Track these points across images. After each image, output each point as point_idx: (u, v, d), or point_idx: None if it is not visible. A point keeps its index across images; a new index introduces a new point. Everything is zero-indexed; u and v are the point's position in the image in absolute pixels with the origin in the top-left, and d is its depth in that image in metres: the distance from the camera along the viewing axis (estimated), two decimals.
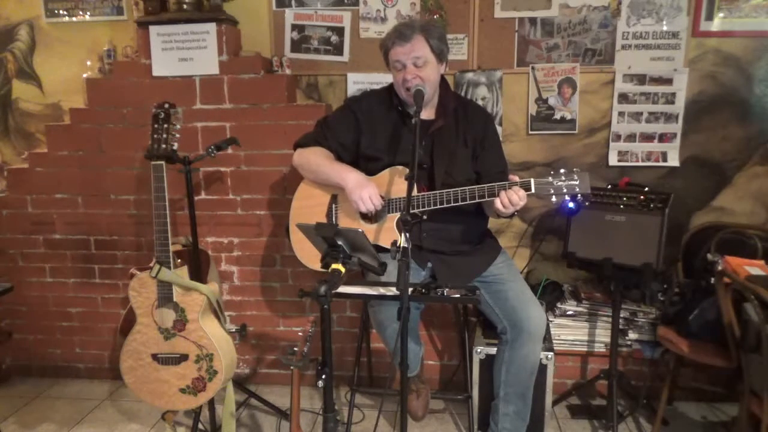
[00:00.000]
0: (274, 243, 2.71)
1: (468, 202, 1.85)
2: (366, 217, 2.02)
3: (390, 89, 2.11)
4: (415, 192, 1.89)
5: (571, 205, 1.79)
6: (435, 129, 2.04)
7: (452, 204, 1.87)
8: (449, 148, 2.04)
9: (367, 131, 2.09)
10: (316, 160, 2.08)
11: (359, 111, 2.11)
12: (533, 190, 1.78)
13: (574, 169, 1.77)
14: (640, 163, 2.70)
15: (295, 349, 1.79)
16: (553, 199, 1.78)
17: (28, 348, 2.92)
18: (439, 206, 1.89)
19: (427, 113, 2.07)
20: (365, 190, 1.92)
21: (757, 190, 2.69)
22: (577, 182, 1.76)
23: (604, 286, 2.66)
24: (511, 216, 1.94)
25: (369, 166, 2.07)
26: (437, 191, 1.89)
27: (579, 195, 1.77)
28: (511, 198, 1.77)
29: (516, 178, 1.80)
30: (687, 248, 2.56)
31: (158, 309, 2.04)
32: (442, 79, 2.06)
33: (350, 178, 1.96)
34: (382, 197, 1.96)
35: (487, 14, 2.65)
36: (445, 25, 2.63)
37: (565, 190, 1.76)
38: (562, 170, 1.78)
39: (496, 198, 1.79)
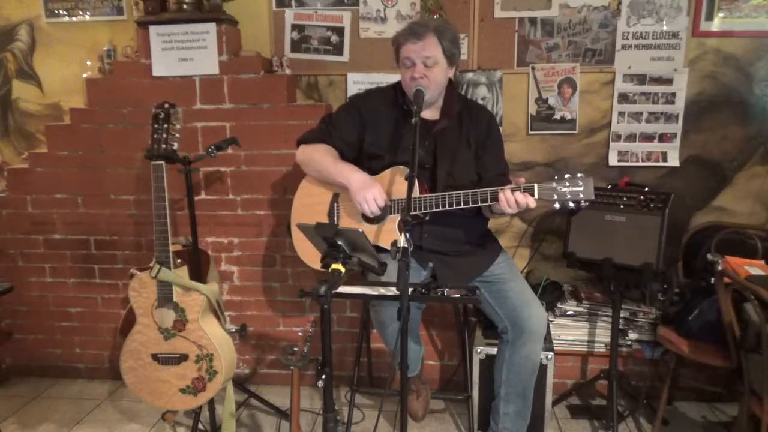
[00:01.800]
0: (274, 243, 2.71)
1: (470, 205, 1.85)
2: (368, 217, 2.02)
3: (395, 88, 2.11)
4: (417, 194, 1.90)
5: (571, 205, 1.78)
6: (438, 130, 2.04)
7: (454, 207, 1.87)
8: (452, 149, 2.04)
9: (371, 129, 2.08)
10: (319, 158, 2.07)
11: (363, 108, 2.10)
12: (536, 195, 1.76)
13: (578, 175, 1.76)
14: (640, 163, 2.70)
15: (295, 349, 1.79)
16: (556, 206, 1.78)
17: (28, 348, 2.92)
18: (441, 209, 1.88)
19: (431, 113, 2.07)
20: (369, 192, 1.91)
21: (757, 190, 2.69)
22: (581, 188, 1.75)
23: (604, 286, 2.65)
24: (510, 215, 1.93)
25: (371, 164, 2.07)
26: (439, 194, 1.89)
27: (583, 202, 1.76)
28: (518, 199, 1.76)
29: (522, 180, 1.79)
30: (687, 248, 2.56)
31: (158, 309, 2.04)
32: (449, 80, 2.06)
33: (354, 178, 1.96)
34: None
35: (487, 14, 2.65)
36: None
37: (568, 196, 1.75)
38: (566, 175, 1.76)
39: (499, 195, 1.78)
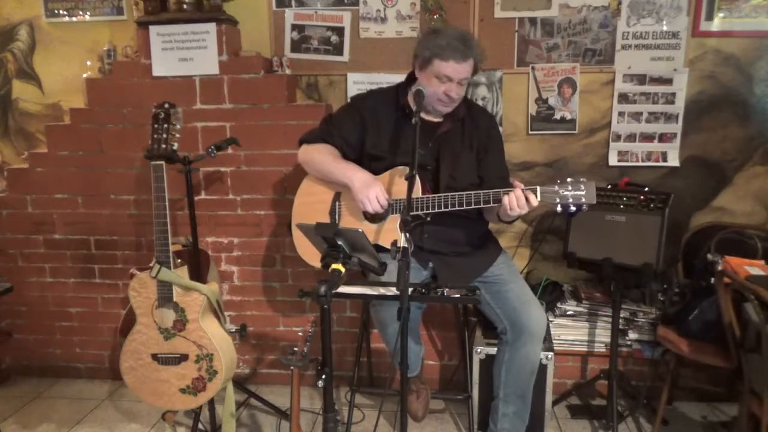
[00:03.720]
0: (274, 243, 2.71)
1: (472, 206, 1.85)
2: (369, 216, 2.02)
3: (397, 89, 2.11)
4: (419, 194, 1.90)
5: (572, 208, 1.78)
6: (441, 132, 2.04)
7: (456, 208, 1.87)
8: (454, 152, 2.04)
9: (372, 130, 2.09)
10: (321, 157, 2.08)
11: (365, 110, 2.10)
12: (539, 198, 1.77)
13: (581, 179, 1.75)
14: (640, 163, 2.70)
15: (295, 349, 1.79)
16: (558, 209, 1.78)
17: (28, 348, 2.92)
18: (442, 210, 1.88)
19: (435, 116, 2.07)
20: (372, 190, 1.91)
21: (757, 190, 2.69)
22: (583, 192, 1.75)
23: (604, 286, 2.66)
24: (511, 222, 1.93)
25: (373, 165, 2.07)
26: (441, 194, 1.89)
27: (584, 206, 1.76)
28: (519, 200, 1.76)
29: (521, 185, 1.79)
30: (687, 248, 2.56)
31: (158, 309, 2.04)
32: None
33: (356, 177, 1.96)
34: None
35: (487, 14, 2.65)
36: (445, 25, 2.62)
37: (570, 200, 1.75)
38: (569, 179, 1.76)
39: (505, 197, 1.77)
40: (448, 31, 1.97)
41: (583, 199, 1.75)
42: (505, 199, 1.77)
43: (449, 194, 1.87)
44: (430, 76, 1.95)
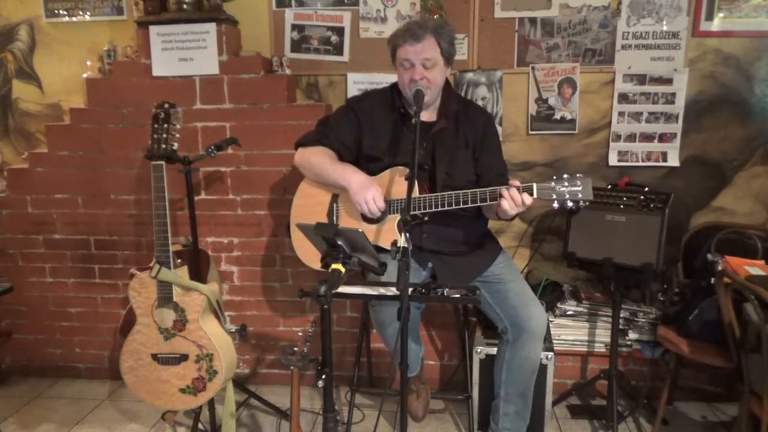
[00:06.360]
0: (274, 243, 2.71)
1: (469, 205, 1.85)
2: (367, 217, 2.02)
3: (392, 89, 2.11)
4: (416, 194, 1.89)
5: (570, 204, 1.78)
6: (436, 130, 2.04)
7: (453, 207, 1.87)
8: (450, 150, 2.04)
9: (368, 131, 2.08)
10: (317, 160, 2.07)
11: (360, 111, 2.10)
12: (535, 195, 1.77)
13: (577, 175, 1.76)
14: (640, 163, 2.70)
15: (295, 349, 1.79)
16: (555, 205, 1.78)
17: (28, 348, 2.92)
18: (440, 209, 1.88)
19: (429, 115, 2.06)
20: (369, 192, 1.91)
21: (757, 190, 2.69)
22: (579, 188, 1.75)
23: (604, 286, 2.65)
24: (511, 219, 1.94)
25: (370, 166, 2.07)
26: (438, 193, 1.89)
27: (581, 201, 1.76)
28: (516, 200, 1.76)
29: (517, 183, 1.79)
30: (687, 248, 2.56)
31: (158, 309, 2.04)
32: (445, 81, 2.06)
33: (353, 179, 1.96)
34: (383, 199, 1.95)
35: (487, 14, 2.65)
36: None
37: (567, 196, 1.76)
38: (565, 175, 1.76)
39: (502, 199, 1.78)
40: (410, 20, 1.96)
41: (580, 195, 1.75)
42: (506, 194, 1.77)
43: (446, 193, 1.87)
44: (398, 67, 1.98)
